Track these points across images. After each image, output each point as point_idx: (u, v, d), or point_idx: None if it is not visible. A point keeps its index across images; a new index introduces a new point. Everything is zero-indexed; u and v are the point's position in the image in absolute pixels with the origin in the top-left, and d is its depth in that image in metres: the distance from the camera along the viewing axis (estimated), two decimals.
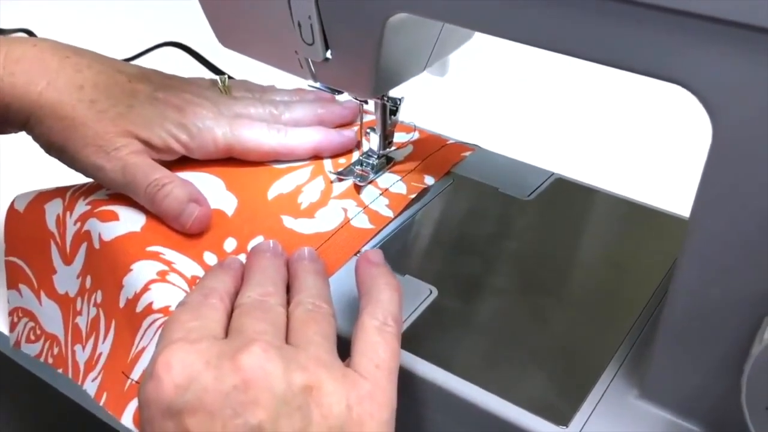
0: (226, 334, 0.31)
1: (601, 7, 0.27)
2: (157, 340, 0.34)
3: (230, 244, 0.40)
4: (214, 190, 0.43)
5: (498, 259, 0.41)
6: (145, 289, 0.37)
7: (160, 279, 0.37)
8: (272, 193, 0.43)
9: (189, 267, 0.39)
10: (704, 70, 0.26)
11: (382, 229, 0.42)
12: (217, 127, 0.43)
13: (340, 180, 0.45)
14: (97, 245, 0.40)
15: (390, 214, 0.43)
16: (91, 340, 0.40)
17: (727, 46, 0.25)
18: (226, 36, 0.42)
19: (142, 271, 0.38)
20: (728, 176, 0.27)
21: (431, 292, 0.38)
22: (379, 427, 0.29)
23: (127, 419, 0.35)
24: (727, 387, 0.29)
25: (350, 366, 0.31)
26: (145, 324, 0.36)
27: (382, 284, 0.34)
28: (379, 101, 0.43)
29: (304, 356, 0.30)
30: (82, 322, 0.41)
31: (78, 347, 0.41)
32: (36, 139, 0.42)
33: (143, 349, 0.36)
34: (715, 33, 0.25)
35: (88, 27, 0.47)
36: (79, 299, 0.42)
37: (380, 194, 0.45)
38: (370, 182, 0.45)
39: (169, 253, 0.39)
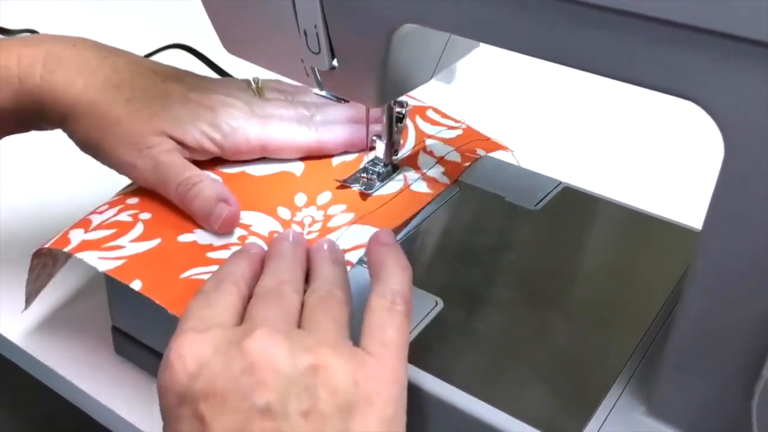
0: (240, 319, 0.32)
1: (611, 23, 0.27)
2: None
3: (301, 199, 0.43)
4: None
5: (505, 271, 0.40)
6: (224, 246, 0.40)
7: (240, 243, 0.40)
8: (336, 161, 0.47)
9: (265, 224, 0.42)
10: (715, 86, 0.26)
11: (439, 194, 0.45)
12: (249, 127, 0.44)
13: (345, 188, 0.45)
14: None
15: (446, 180, 0.46)
16: (105, 230, 0.40)
17: (738, 62, 0.25)
18: (232, 44, 0.42)
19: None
20: (740, 194, 0.26)
21: (437, 303, 0.38)
22: (387, 403, 0.30)
23: None
24: (737, 407, 0.29)
25: (359, 345, 0.31)
26: (214, 267, 0.38)
27: (391, 264, 0.34)
28: (386, 108, 0.43)
29: (310, 339, 0.31)
30: (96, 218, 0.41)
31: (77, 230, 0.41)
32: (71, 136, 0.43)
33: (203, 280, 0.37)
34: (726, 49, 0.25)
35: (93, 29, 0.48)
36: (106, 206, 0.43)
37: (436, 162, 0.47)
38: (376, 191, 0.45)
39: (246, 216, 0.42)
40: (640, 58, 0.27)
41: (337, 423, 0.29)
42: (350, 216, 0.43)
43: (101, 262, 0.38)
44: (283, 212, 0.43)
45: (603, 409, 0.33)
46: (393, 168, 0.46)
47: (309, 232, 0.42)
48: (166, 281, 0.37)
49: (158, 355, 0.44)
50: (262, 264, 0.36)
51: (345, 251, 0.40)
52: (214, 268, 0.38)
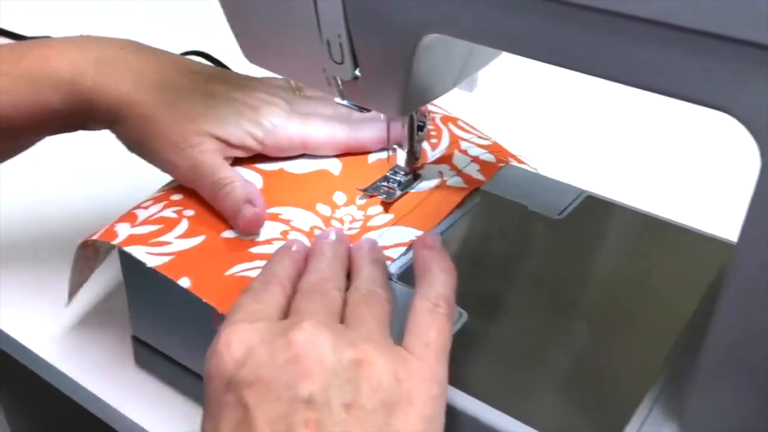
0: (285, 314, 0.33)
1: (644, 33, 0.26)
2: None
3: (340, 198, 0.44)
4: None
5: (529, 281, 0.40)
6: (267, 241, 0.41)
7: (282, 238, 0.41)
8: (372, 158, 0.47)
9: (306, 219, 0.43)
10: (750, 97, 0.25)
11: (474, 189, 0.46)
12: (290, 125, 0.45)
13: (370, 197, 0.45)
14: None
15: (482, 177, 0.47)
16: (151, 226, 0.41)
17: None
18: (253, 52, 0.41)
19: (264, 228, 0.42)
20: None
21: (461, 315, 0.37)
22: (427, 401, 0.30)
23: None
24: None
25: (402, 345, 0.32)
26: (258, 263, 0.39)
27: (435, 268, 0.35)
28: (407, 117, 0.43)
29: (353, 334, 0.31)
30: (142, 213, 0.43)
31: (124, 224, 0.42)
32: (119, 137, 0.45)
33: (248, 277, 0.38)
34: (761, 59, 0.24)
35: (109, 35, 0.48)
36: (151, 201, 0.44)
37: (471, 161, 0.48)
38: (397, 199, 0.45)
39: (286, 211, 0.43)
40: (673, 68, 0.26)
41: (378, 418, 0.29)
42: (390, 217, 0.44)
43: (149, 257, 0.39)
44: (323, 209, 0.44)
45: (632, 427, 0.32)
46: (414, 176, 0.46)
47: (349, 229, 0.43)
48: (213, 279, 0.38)
49: (178, 366, 0.44)
50: (304, 261, 0.37)
51: (385, 248, 0.41)
52: (258, 263, 0.39)
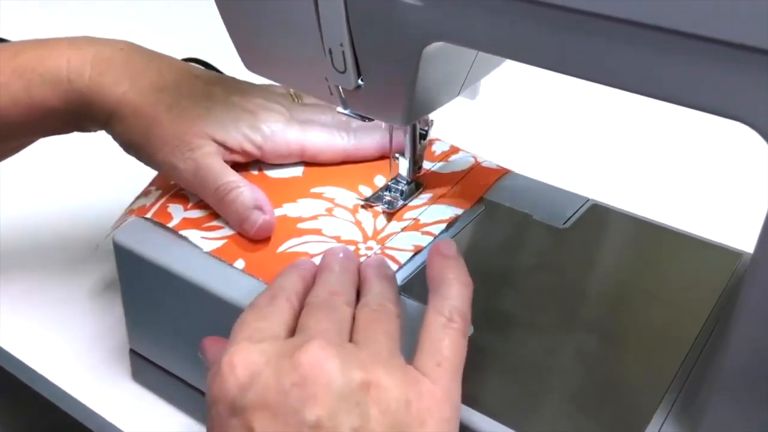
0: (292, 333, 0.32)
1: (654, 41, 0.25)
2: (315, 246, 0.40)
3: (380, 180, 0.46)
4: None
5: (535, 292, 0.39)
6: (313, 218, 0.42)
7: (328, 214, 0.43)
8: None
9: (349, 198, 0.44)
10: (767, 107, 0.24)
11: (506, 174, 0.47)
12: (289, 131, 0.45)
13: (368, 208, 0.44)
14: (255, 173, 0.45)
15: None
16: (200, 211, 0.43)
17: None
18: (253, 61, 0.41)
19: (309, 206, 0.43)
20: None
21: None
22: (439, 424, 0.29)
23: None
24: None
25: (413, 363, 0.31)
26: (307, 237, 0.41)
27: (451, 278, 0.34)
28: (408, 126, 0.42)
29: (363, 354, 0.30)
30: (192, 196, 0.44)
31: (177, 206, 0.43)
32: (116, 137, 0.44)
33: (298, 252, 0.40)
34: None
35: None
36: None
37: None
38: (399, 210, 0.44)
39: (329, 191, 0.44)
40: (691, 79, 0.26)
41: None
42: (428, 196, 0.45)
43: (204, 242, 0.40)
44: (365, 190, 0.45)
45: None
46: (416, 185, 0.45)
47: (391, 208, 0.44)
48: (265, 258, 0.40)
49: (177, 380, 0.43)
50: (313, 278, 0.36)
51: (426, 225, 0.42)
52: (307, 237, 0.40)
